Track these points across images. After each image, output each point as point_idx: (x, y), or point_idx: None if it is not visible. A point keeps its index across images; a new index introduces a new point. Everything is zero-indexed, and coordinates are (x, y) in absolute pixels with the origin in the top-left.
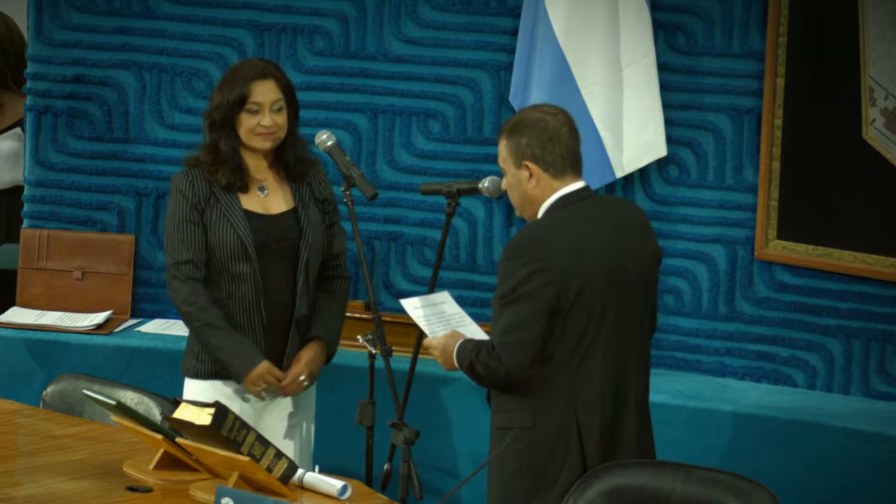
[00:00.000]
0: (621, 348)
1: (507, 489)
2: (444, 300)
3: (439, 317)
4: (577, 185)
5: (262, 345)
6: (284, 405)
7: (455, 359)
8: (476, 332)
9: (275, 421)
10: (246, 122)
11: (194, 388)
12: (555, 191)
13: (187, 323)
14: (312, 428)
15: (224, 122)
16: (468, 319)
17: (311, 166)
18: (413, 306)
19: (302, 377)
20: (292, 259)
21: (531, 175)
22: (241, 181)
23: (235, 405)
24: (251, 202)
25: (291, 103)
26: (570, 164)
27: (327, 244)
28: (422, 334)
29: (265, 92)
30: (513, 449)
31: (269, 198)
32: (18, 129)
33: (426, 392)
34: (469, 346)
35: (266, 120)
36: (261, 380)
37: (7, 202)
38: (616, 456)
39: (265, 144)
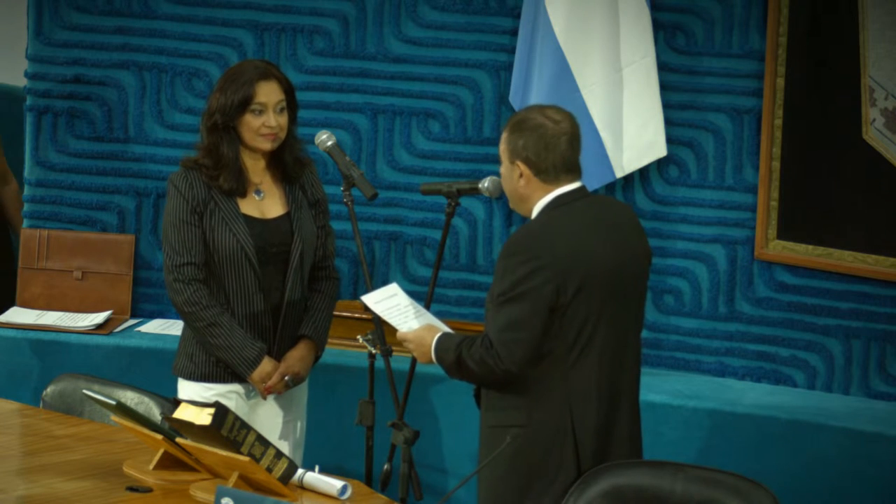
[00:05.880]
0: (617, 347)
1: (500, 488)
2: (396, 292)
3: (397, 309)
4: (573, 185)
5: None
6: (276, 404)
7: (434, 352)
8: (435, 322)
9: (268, 418)
10: (250, 123)
11: (187, 389)
12: (546, 192)
13: (190, 323)
14: (304, 424)
15: (226, 124)
16: (422, 310)
17: (305, 167)
18: (374, 301)
19: (286, 377)
20: (287, 262)
21: (521, 175)
22: (242, 186)
23: (229, 405)
24: (249, 206)
25: (292, 104)
26: (564, 171)
27: (318, 245)
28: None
29: (269, 92)
30: (509, 447)
31: (266, 201)
32: None
33: (426, 392)
34: (453, 340)
35: (271, 121)
36: (268, 377)
37: None
38: (609, 454)
39: (268, 145)
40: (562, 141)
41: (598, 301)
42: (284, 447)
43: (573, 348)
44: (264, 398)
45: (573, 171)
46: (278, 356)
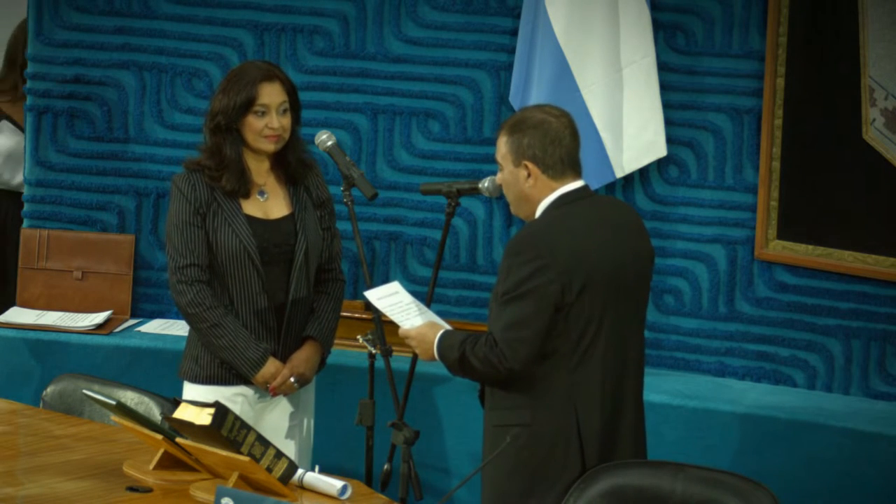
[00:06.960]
0: (620, 346)
1: (504, 487)
2: (398, 290)
3: (399, 306)
4: (577, 184)
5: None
6: (285, 405)
7: (436, 349)
8: (437, 320)
9: (275, 421)
10: (253, 125)
11: (193, 392)
12: (553, 190)
13: (194, 325)
14: (312, 426)
15: (229, 125)
16: (424, 307)
17: (310, 169)
18: (377, 297)
19: (292, 378)
20: (291, 262)
21: (529, 175)
22: (245, 187)
23: (235, 408)
24: (252, 207)
25: (295, 105)
26: (570, 166)
27: (324, 247)
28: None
29: (272, 94)
30: (510, 447)
31: (269, 202)
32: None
33: (426, 392)
34: (456, 337)
35: (274, 122)
36: (272, 378)
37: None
38: (614, 454)
39: (271, 147)
40: (566, 134)
41: (601, 301)
42: (292, 448)
43: (577, 348)
44: (273, 395)
45: (577, 168)
46: (283, 357)
